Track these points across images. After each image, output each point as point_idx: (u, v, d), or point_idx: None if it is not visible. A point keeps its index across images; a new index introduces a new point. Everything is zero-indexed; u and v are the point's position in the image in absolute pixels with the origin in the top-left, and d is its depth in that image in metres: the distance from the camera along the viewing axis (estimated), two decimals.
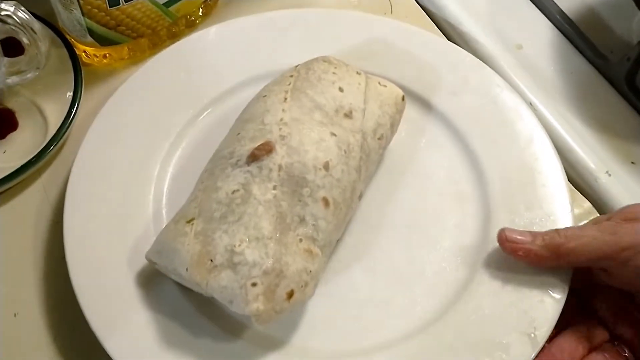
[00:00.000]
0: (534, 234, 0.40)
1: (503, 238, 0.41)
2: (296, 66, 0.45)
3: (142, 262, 0.40)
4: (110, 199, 0.44)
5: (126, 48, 0.53)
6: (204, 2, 0.55)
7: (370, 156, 0.43)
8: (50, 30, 0.51)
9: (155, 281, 0.40)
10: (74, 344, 0.41)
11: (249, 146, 0.40)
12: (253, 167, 0.38)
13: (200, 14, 0.56)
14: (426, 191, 0.46)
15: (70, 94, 0.49)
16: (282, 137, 0.40)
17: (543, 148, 0.47)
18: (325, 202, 0.39)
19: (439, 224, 0.45)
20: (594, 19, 0.59)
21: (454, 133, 0.48)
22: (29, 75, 0.48)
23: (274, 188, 0.38)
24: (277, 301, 0.36)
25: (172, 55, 0.51)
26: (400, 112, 0.46)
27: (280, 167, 0.39)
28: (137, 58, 0.54)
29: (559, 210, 0.44)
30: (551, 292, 0.40)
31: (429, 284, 0.42)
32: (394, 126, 0.45)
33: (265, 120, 0.41)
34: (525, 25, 0.59)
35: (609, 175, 0.49)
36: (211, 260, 0.36)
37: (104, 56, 0.53)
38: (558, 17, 0.59)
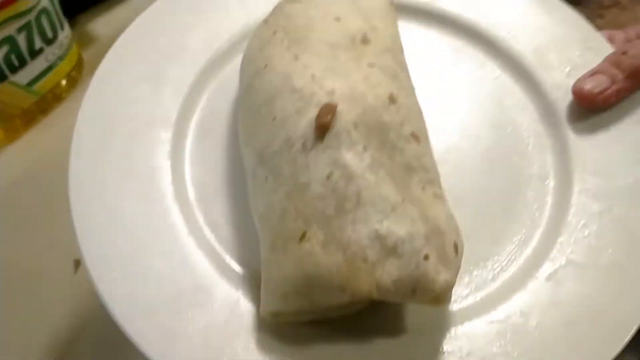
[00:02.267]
0: (607, 71, 0.37)
1: (588, 95, 0.37)
2: (264, 21, 0.39)
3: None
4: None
5: (1, 130, 0.57)
6: (66, 75, 0.60)
7: (408, 73, 0.37)
8: None
9: None
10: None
11: (305, 121, 0.32)
12: (329, 139, 0.31)
13: (66, 86, 0.60)
14: (472, 99, 0.44)
15: None
16: (330, 93, 0.32)
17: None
18: (415, 137, 0.33)
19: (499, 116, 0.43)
20: None
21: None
22: None
23: (365, 149, 0.31)
24: (450, 262, 0.30)
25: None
26: (395, 14, 0.41)
27: (355, 124, 0.31)
28: (12, 138, 0.57)
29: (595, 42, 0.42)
30: None
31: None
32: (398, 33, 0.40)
33: (296, 85, 0.33)
34: None
35: None
36: (364, 261, 0.29)
37: None
38: None
